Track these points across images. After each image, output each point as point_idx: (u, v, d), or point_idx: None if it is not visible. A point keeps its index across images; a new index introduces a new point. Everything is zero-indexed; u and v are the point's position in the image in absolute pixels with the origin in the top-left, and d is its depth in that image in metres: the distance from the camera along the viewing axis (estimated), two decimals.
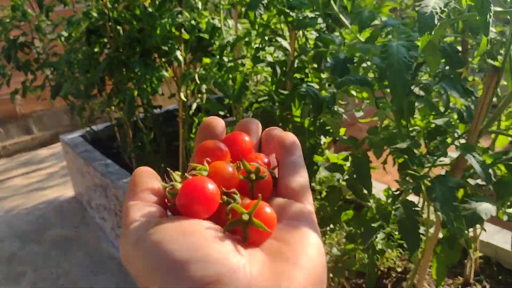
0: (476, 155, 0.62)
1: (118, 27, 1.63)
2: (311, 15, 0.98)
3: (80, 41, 1.76)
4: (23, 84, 2.26)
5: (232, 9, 1.46)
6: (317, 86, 0.91)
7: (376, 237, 0.71)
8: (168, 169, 0.30)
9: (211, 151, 0.31)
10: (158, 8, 1.53)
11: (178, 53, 1.50)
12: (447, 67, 0.70)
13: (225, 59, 1.23)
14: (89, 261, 1.90)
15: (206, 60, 1.56)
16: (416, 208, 0.64)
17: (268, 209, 0.27)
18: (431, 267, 0.94)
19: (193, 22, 1.46)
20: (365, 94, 1.07)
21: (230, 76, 1.18)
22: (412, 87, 0.73)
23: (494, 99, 0.71)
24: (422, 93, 0.78)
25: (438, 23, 0.47)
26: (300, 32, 1.05)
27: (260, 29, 1.05)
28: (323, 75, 1.06)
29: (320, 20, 0.91)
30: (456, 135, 0.95)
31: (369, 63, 0.74)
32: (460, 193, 0.69)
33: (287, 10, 0.93)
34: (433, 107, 0.77)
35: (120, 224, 1.87)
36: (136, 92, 1.65)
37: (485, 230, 0.65)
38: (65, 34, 1.88)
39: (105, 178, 1.86)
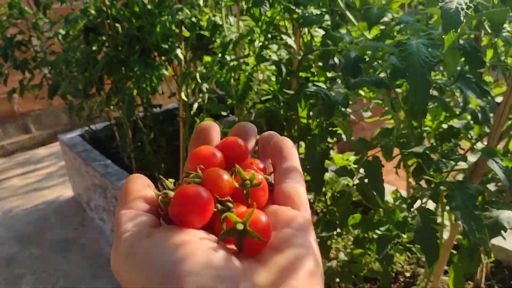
0: (499, 160, 0.58)
1: (117, 25, 1.59)
2: (316, 11, 0.95)
3: (78, 39, 1.72)
4: (21, 83, 2.22)
5: (234, 5, 1.42)
6: (324, 86, 0.87)
7: (392, 247, 0.67)
8: (161, 176, 0.30)
9: (205, 158, 0.30)
10: (157, 5, 1.50)
11: (178, 51, 1.46)
12: (463, 67, 0.66)
13: (227, 57, 1.19)
14: (89, 263, 1.87)
15: (207, 59, 1.52)
16: (434, 217, 0.61)
17: (263, 218, 0.26)
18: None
19: (193, 19, 1.42)
20: (372, 94, 1.04)
21: (233, 75, 1.14)
22: None
23: None
24: (435, 93, 0.75)
25: (464, 20, 0.43)
26: (305, 30, 1.01)
27: (264, 26, 1.01)
28: (329, 74, 1.02)
29: (327, 17, 0.87)
30: (469, 136, 0.91)
31: (380, 62, 0.70)
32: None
33: (293, 7, 0.90)
34: (447, 108, 0.74)
35: None
36: (135, 92, 1.62)
37: (504, 238, 0.62)
38: (63, 32, 1.84)
39: (104, 178, 1.83)
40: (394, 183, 1.62)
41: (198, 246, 0.24)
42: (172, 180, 0.29)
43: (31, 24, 2.12)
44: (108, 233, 2.02)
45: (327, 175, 1.40)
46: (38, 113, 3.21)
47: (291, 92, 0.99)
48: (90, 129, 2.25)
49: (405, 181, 1.22)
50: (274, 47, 1.12)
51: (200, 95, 1.57)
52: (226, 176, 0.29)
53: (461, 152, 0.80)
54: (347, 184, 1.03)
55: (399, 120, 0.68)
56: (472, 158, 0.67)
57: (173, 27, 1.44)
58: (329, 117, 0.65)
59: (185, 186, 0.27)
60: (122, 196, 0.28)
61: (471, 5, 0.44)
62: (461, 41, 0.62)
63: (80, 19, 1.62)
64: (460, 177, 0.72)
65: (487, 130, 0.74)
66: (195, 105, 1.48)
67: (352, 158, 1.25)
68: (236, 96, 1.01)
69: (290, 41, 0.96)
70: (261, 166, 0.32)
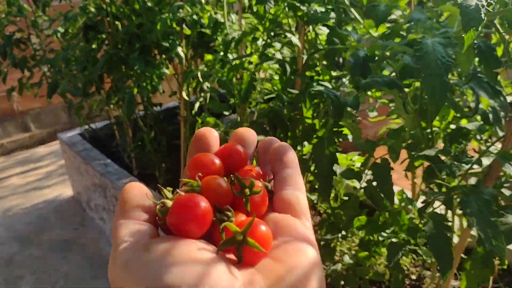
0: None
1: (117, 23, 1.57)
2: (321, 9, 0.92)
3: (77, 37, 1.70)
4: (20, 82, 2.20)
5: (236, 3, 1.39)
6: (330, 86, 0.85)
7: (402, 254, 0.65)
8: (159, 185, 0.29)
9: (203, 165, 0.30)
10: (158, 2, 1.47)
11: (179, 49, 1.44)
12: (475, 66, 0.64)
13: (230, 56, 1.17)
14: (89, 263, 1.85)
15: (208, 57, 1.50)
16: (448, 223, 0.58)
17: (263, 228, 0.26)
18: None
19: (194, 17, 1.40)
20: (378, 94, 1.01)
21: (235, 73, 1.12)
22: None
23: None
24: None
25: (485, 18, 0.41)
26: (310, 27, 0.99)
27: (267, 24, 0.99)
28: (334, 73, 1.00)
29: (332, 14, 0.85)
30: (478, 137, 0.89)
31: (389, 61, 0.68)
32: None
33: (298, 4, 0.87)
34: (458, 108, 0.71)
35: None
36: (135, 90, 1.59)
37: None
38: (61, 30, 1.82)
39: (104, 178, 1.81)
40: (397, 183, 1.60)
41: (197, 258, 0.23)
42: (170, 189, 0.29)
43: (30, 22, 2.10)
44: (108, 233, 2.00)
45: None
46: (38, 112, 3.18)
47: (295, 91, 0.96)
48: (90, 128, 2.22)
49: (409, 180, 1.19)
50: (277, 45, 1.09)
51: (202, 94, 1.54)
52: (225, 184, 0.28)
53: (471, 154, 0.77)
54: (354, 187, 1.00)
55: (411, 121, 0.66)
56: (485, 161, 0.65)
57: (174, 25, 1.42)
58: (338, 119, 0.63)
59: (183, 195, 0.27)
60: (119, 205, 0.28)
61: (491, 1, 0.42)
62: (475, 40, 0.59)
63: (79, 17, 1.59)
64: (471, 180, 0.69)
65: (498, 131, 0.71)
66: (197, 105, 1.45)
67: (356, 158, 1.22)
68: (239, 96, 0.98)
69: (295, 39, 0.93)
70: (261, 173, 0.31)
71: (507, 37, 0.66)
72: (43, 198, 2.40)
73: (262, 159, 0.34)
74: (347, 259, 1.03)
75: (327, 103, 0.72)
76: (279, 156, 0.32)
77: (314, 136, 0.75)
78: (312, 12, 0.88)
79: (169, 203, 0.27)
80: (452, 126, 0.92)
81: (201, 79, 1.41)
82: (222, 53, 1.21)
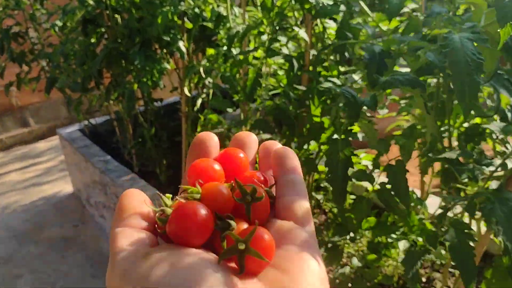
0: None
1: (116, 16, 1.53)
2: (328, 2, 0.88)
3: (76, 31, 1.66)
4: (18, 76, 2.16)
5: None
6: (339, 82, 0.81)
7: (422, 264, 0.61)
8: (158, 192, 0.29)
9: (203, 171, 0.29)
10: None
11: (180, 43, 1.40)
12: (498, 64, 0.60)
13: (233, 50, 1.13)
14: (89, 262, 1.82)
15: (210, 51, 1.46)
16: (471, 231, 0.55)
17: (266, 236, 0.25)
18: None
19: (196, 10, 1.36)
20: (388, 90, 0.98)
21: (240, 69, 1.08)
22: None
23: None
24: None
25: None
26: (318, 21, 0.95)
27: (273, 17, 0.95)
28: (342, 68, 0.96)
29: (342, 7, 0.81)
30: (494, 136, 0.85)
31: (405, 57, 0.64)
32: None
33: None
34: (475, 107, 0.68)
35: None
36: (136, 86, 1.55)
37: None
38: (60, 23, 1.78)
39: (104, 175, 1.78)
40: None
41: (198, 268, 0.23)
42: (169, 196, 0.28)
43: (28, 15, 2.06)
44: (108, 230, 1.97)
45: None
46: (37, 106, 3.15)
47: (302, 87, 0.92)
48: (90, 123, 2.19)
49: (418, 178, 1.16)
50: (283, 40, 1.05)
51: (204, 90, 1.51)
52: (225, 191, 0.28)
53: (489, 155, 0.74)
54: (366, 188, 0.96)
55: (430, 120, 0.62)
56: (509, 163, 0.61)
57: (175, 18, 1.38)
58: (354, 120, 0.59)
59: (183, 203, 0.26)
60: (117, 212, 0.27)
61: None
62: None
63: (78, 10, 1.55)
64: (492, 184, 0.65)
65: None
66: (199, 101, 1.41)
67: (363, 155, 1.19)
68: (244, 92, 0.95)
69: (303, 33, 0.89)
70: (262, 178, 0.31)
71: None
72: (42, 194, 2.37)
73: (264, 163, 0.33)
74: (355, 261, 1.00)
75: (337, 101, 0.68)
76: (280, 160, 0.31)
77: (326, 137, 0.71)
78: (320, 5, 0.84)
79: (169, 210, 0.27)
80: (465, 125, 0.88)
81: (203, 74, 1.37)
82: (225, 48, 1.17)
